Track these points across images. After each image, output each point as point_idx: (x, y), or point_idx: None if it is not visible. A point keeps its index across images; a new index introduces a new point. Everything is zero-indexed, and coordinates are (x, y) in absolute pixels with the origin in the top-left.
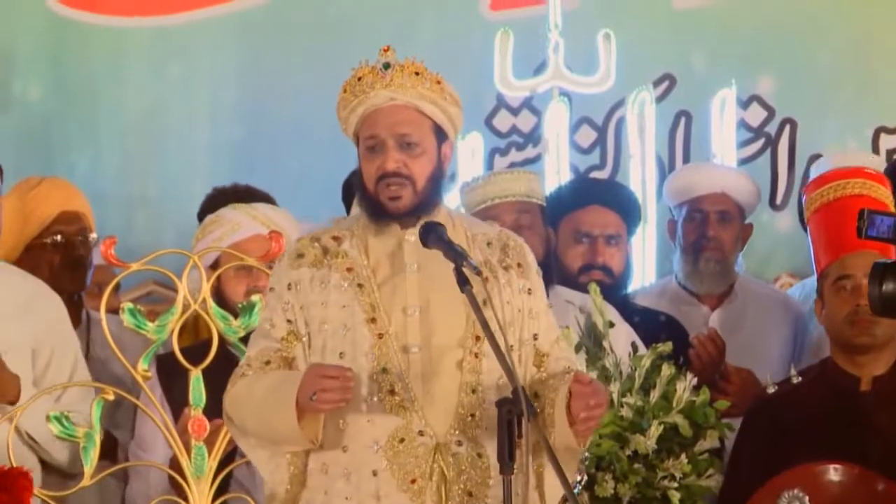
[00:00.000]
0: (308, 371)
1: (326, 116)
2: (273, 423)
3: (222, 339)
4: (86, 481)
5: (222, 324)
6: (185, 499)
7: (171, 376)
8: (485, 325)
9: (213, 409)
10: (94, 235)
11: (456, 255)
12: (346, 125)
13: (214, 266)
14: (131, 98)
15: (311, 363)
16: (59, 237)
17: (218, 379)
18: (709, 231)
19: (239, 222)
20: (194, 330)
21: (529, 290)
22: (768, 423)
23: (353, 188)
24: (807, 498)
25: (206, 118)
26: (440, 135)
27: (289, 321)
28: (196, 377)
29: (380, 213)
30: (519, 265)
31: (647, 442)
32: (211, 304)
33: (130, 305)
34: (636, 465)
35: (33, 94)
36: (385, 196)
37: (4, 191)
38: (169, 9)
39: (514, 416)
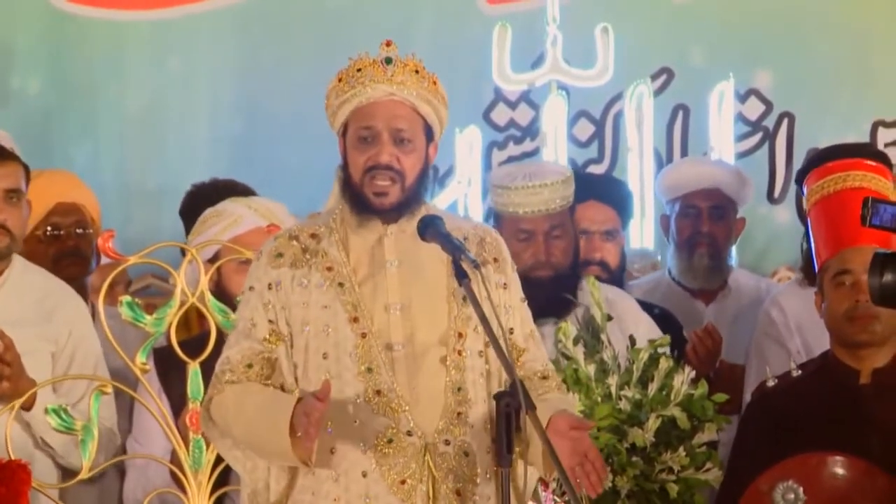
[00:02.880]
0: (297, 405)
1: (324, 110)
2: (264, 443)
3: (220, 333)
4: (84, 474)
5: (220, 317)
6: (184, 491)
7: (168, 369)
8: (483, 319)
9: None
10: (96, 226)
11: (454, 249)
12: (335, 114)
13: (214, 260)
14: (130, 92)
15: (303, 393)
16: (53, 229)
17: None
18: (703, 227)
19: (240, 215)
20: (186, 325)
21: (505, 284)
22: (768, 417)
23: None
24: (801, 489)
25: (205, 112)
26: (429, 135)
27: (270, 321)
28: (194, 370)
29: (363, 207)
30: (495, 259)
31: (645, 435)
32: (209, 297)
33: (128, 298)
34: (634, 458)
35: (32, 88)
36: (371, 190)
37: None
38: (168, 2)
39: (513, 410)
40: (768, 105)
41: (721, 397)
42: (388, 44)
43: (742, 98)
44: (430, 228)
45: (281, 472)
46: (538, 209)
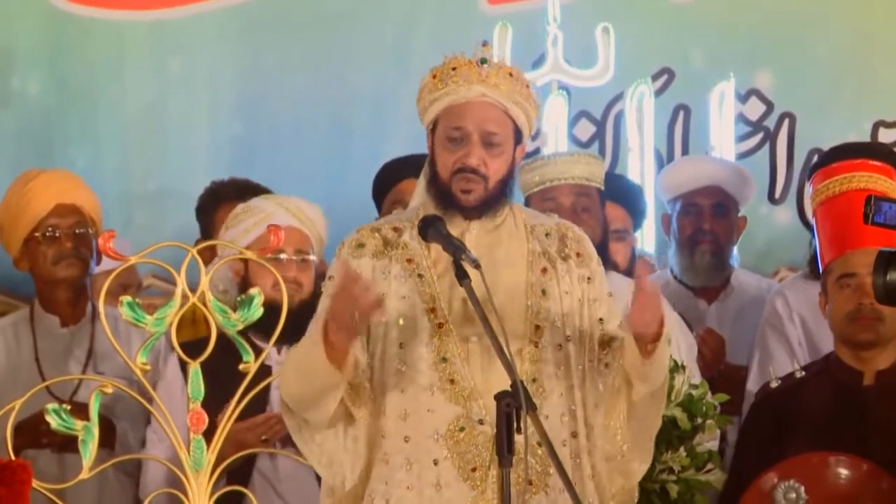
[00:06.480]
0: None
1: (326, 111)
2: (311, 370)
3: (221, 333)
4: (84, 474)
5: (220, 317)
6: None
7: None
8: (483, 319)
9: (213, 403)
10: (96, 227)
11: (455, 249)
12: (426, 110)
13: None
14: (131, 93)
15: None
16: (51, 230)
17: (219, 372)
18: (704, 224)
19: (270, 213)
20: (192, 324)
21: (589, 278)
22: (771, 417)
23: (382, 183)
24: (803, 489)
25: (206, 113)
26: (517, 136)
27: None
28: (195, 370)
29: (448, 204)
30: (578, 254)
31: None
32: (209, 297)
33: (129, 299)
34: None
35: (33, 89)
36: (458, 188)
37: (6, 184)
38: (168, 3)
39: (514, 410)
40: (769, 105)
41: (722, 397)
42: (485, 45)
43: (743, 98)
44: (431, 230)
45: (357, 460)
46: (565, 177)
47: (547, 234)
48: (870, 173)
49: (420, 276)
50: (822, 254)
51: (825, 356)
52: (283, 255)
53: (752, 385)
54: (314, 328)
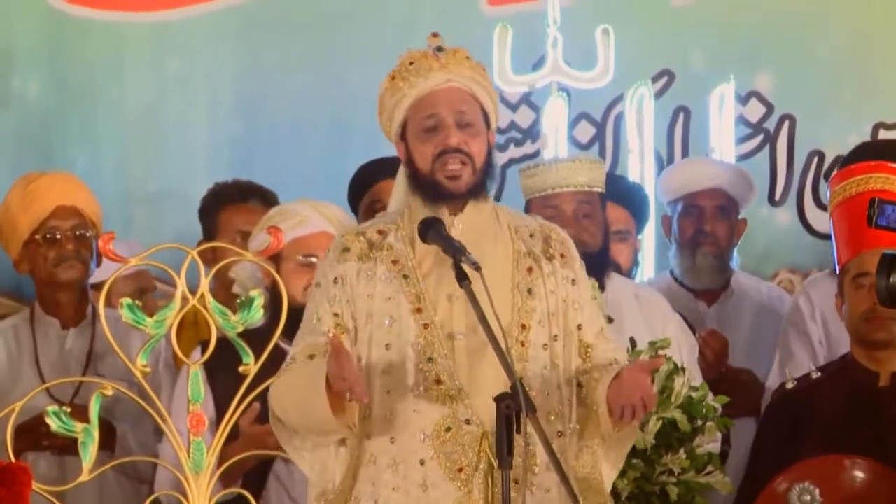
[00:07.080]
0: (328, 369)
1: (325, 112)
2: (312, 414)
3: (221, 335)
4: (84, 476)
5: (220, 319)
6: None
7: (214, 367)
8: (482, 320)
9: (215, 404)
10: (96, 229)
11: (455, 251)
12: (392, 116)
13: (276, 259)
14: (130, 94)
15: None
16: (52, 232)
17: (220, 374)
18: (706, 226)
19: (306, 216)
20: (194, 325)
21: (573, 280)
22: (787, 418)
23: (359, 185)
24: (817, 491)
25: (206, 114)
26: (486, 121)
27: (336, 314)
28: (194, 373)
29: (437, 193)
30: (562, 255)
31: (646, 437)
32: (209, 299)
33: (129, 301)
34: (634, 461)
35: (32, 90)
36: (443, 175)
37: (6, 186)
38: (168, 4)
39: (513, 412)
40: (769, 107)
41: (722, 399)
42: (436, 35)
43: (743, 100)
44: (431, 231)
45: (342, 464)
46: (567, 184)
47: (531, 235)
48: (887, 175)
49: (405, 276)
50: (838, 254)
51: (841, 357)
52: (314, 260)
53: (773, 383)
54: (302, 343)
